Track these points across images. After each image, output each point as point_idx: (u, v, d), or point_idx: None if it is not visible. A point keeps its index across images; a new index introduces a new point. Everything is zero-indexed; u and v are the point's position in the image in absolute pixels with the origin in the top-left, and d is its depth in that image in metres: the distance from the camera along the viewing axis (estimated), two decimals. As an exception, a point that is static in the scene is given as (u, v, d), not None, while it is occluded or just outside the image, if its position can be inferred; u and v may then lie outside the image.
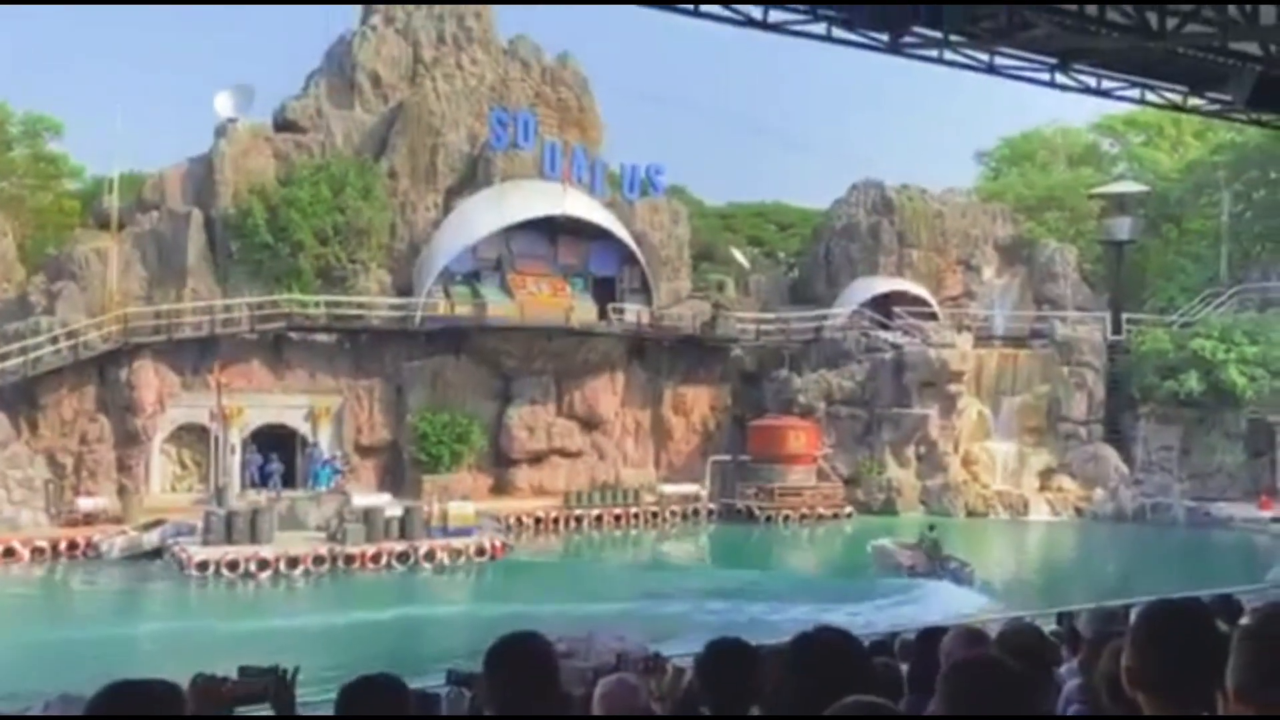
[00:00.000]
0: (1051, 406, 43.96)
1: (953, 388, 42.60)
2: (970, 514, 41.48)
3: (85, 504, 33.70)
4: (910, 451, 42.63)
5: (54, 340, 34.88)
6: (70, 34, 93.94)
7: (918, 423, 42.32)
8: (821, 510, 40.20)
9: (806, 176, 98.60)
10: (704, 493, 40.83)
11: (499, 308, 40.23)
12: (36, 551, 30.95)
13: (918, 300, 46.55)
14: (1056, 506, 42.12)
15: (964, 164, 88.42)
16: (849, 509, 40.80)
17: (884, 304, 45.99)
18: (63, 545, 31.37)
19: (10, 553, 30.54)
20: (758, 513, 39.72)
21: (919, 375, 42.40)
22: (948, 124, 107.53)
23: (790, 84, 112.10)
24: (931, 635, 4.86)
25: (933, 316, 45.98)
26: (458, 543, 31.08)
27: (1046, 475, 43.47)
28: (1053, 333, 44.87)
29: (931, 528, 31.34)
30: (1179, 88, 15.31)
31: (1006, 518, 41.57)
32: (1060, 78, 14.42)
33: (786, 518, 39.53)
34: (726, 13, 12.14)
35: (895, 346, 43.52)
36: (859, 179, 50.61)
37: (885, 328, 44.74)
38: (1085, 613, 5.78)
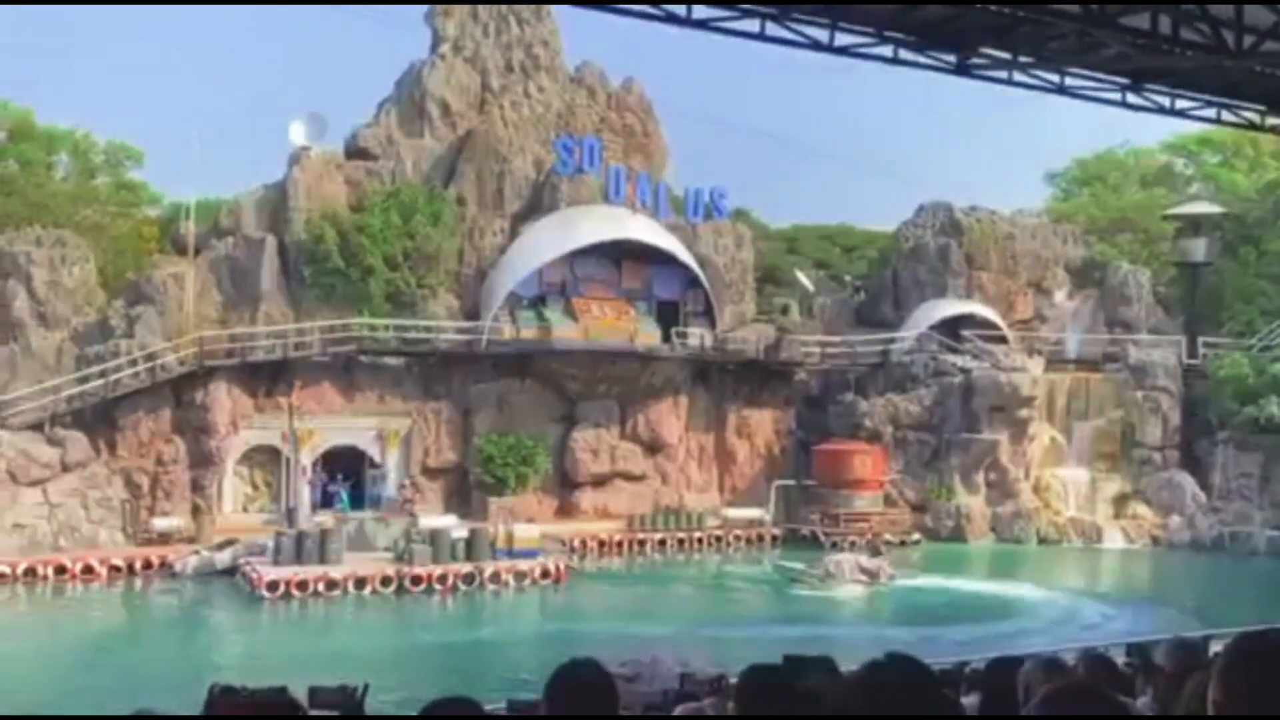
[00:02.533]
0: (1125, 432, 43.02)
1: (1023, 413, 41.87)
2: (1042, 541, 40.70)
3: (160, 523, 34.46)
4: (980, 477, 41.95)
5: (132, 363, 35.79)
6: (150, 63, 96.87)
7: (987, 448, 41.65)
8: (888, 536, 39.67)
9: (872, 198, 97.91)
10: (768, 517, 40.56)
11: (563, 331, 40.48)
12: (114, 570, 31.70)
13: (987, 323, 45.89)
14: (1131, 534, 41.15)
15: (1034, 185, 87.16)
16: (917, 535, 40.25)
17: (952, 327, 45.40)
18: (138, 564, 32.12)
19: (89, 570, 31.32)
20: (823, 538, 39.32)
21: (989, 400, 41.76)
22: (1016, 146, 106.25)
23: (855, 106, 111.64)
24: (1004, 666, 4.76)
25: (1003, 340, 45.29)
26: (522, 565, 31.21)
27: (1121, 502, 42.50)
28: (1126, 357, 43.96)
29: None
30: (1257, 107, 14.98)
31: (1080, 545, 40.70)
32: (1133, 98, 14.20)
33: (852, 543, 39.06)
34: (794, 37, 12.15)
35: (964, 370, 42.91)
36: (926, 200, 50.18)
37: (954, 351, 44.15)
38: (1163, 644, 5.63)
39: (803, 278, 51.17)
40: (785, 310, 47.61)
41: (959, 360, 43.52)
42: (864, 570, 31.47)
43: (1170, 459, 42.54)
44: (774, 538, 40.09)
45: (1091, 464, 43.17)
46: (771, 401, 44.11)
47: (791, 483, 41.63)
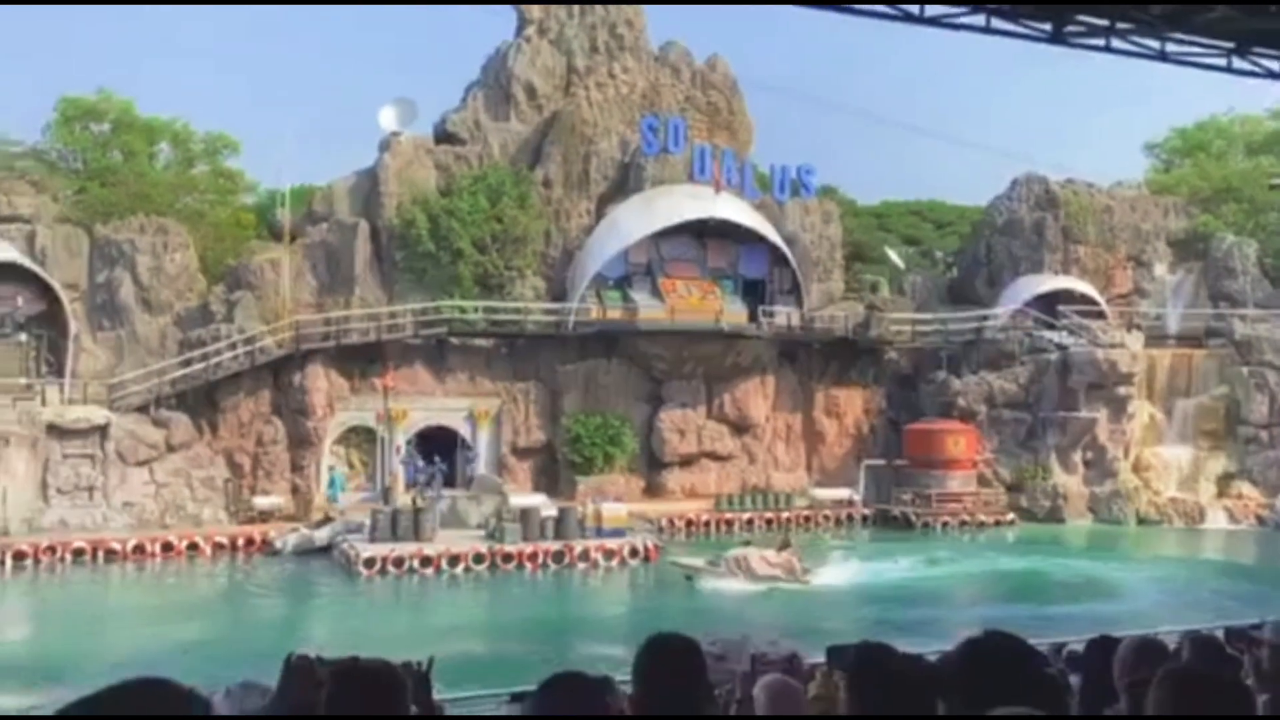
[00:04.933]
0: (1230, 409, 41.64)
1: (1122, 390, 40.77)
2: (1142, 522, 39.69)
3: (261, 502, 35.52)
4: (1077, 457, 41.01)
5: (232, 346, 36.86)
6: (244, 53, 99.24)
7: (1085, 427, 40.67)
8: (982, 517, 39.05)
9: (964, 172, 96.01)
10: (857, 498, 40.22)
11: (649, 312, 40.55)
12: (217, 547, 32.77)
13: (1084, 299, 44.73)
14: (1236, 514, 39.87)
15: (1132, 156, 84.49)
16: (1011, 516, 39.54)
17: (1048, 303, 44.34)
18: (241, 541, 33.15)
19: (194, 547, 32.43)
20: (914, 519, 38.85)
21: (1086, 377, 40.75)
22: (1112, 116, 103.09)
23: (945, 78, 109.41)
24: (1103, 646, 4.67)
25: (1101, 315, 44.11)
26: (611, 543, 31.45)
27: (1224, 481, 41.20)
28: (1231, 331, 42.48)
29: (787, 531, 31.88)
30: (1373, 68, 14.28)
31: (1181, 526, 39.58)
32: (1238, 62, 13.64)
33: (945, 524, 38.54)
34: (885, 9, 11.94)
35: (1061, 347, 41.92)
36: (1020, 174, 49.03)
37: (1050, 328, 43.14)
38: (1270, 624, 5.45)
39: (893, 254, 50.45)
40: (875, 288, 47.00)
41: (1055, 337, 42.52)
42: (770, 565, 28.16)
43: (1277, 437, 41.07)
44: (864, 518, 39.76)
45: (1194, 442, 41.91)
46: (861, 380, 43.64)
47: (881, 463, 41.19)
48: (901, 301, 46.44)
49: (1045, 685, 2.68)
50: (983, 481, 40.38)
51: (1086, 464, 41.01)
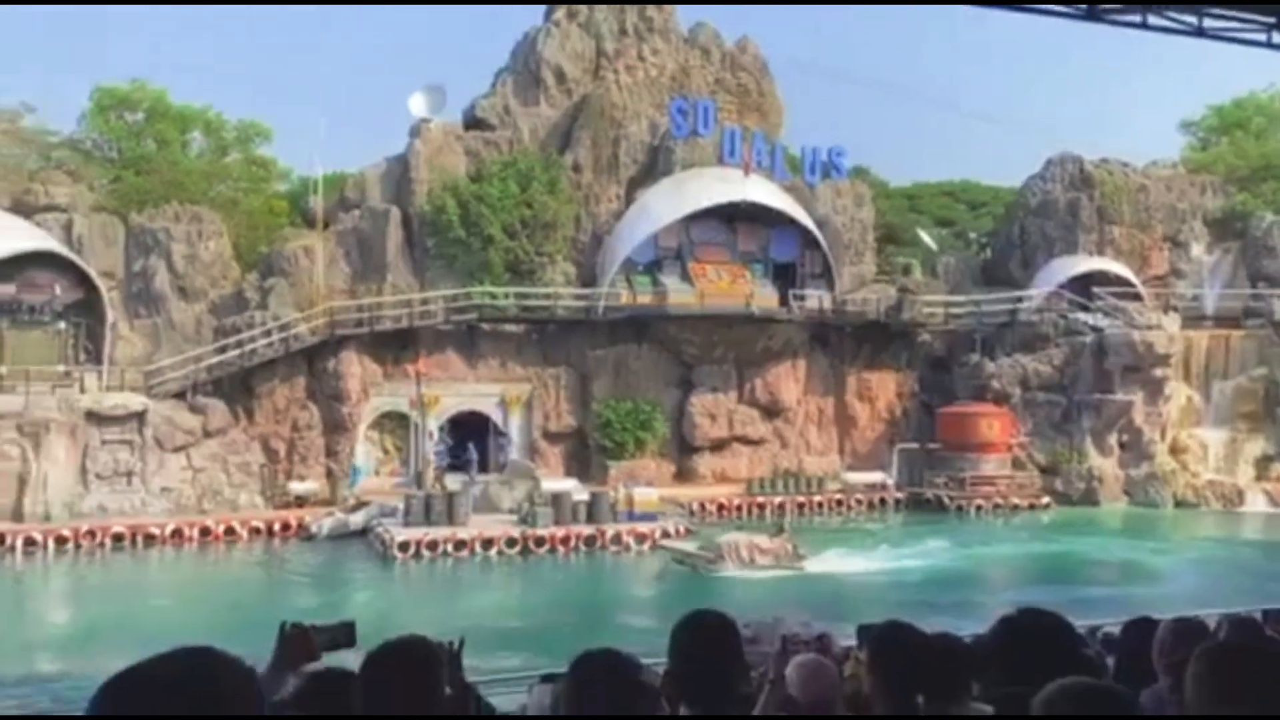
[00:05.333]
0: (1269, 390, 41.08)
1: (1159, 372, 40.32)
2: (1179, 505, 39.30)
3: (297, 487, 35.86)
4: (1113, 439, 40.62)
5: (267, 333, 37.17)
6: (274, 42, 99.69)
7: (1121, 409, 40.27)
8: (1016, 500, 38.80)
9: (997, 153, 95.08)
10: (890, 481, 40.06)
11: (679, 296, 40.49)
12: (254, 531, 33.13)
13: (1120, 280, 44.23)
14: (1275, 497, 39.41)
15: (1168, 135, 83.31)
16: (1046, 499, 39.26)
17: (1083, 284, 43.89)
18: (277, 526, 33.49)
19: (231, 532, 32.81)
20: (948, 502, 38.66)
21: (1122, 359, 40.32)
22: (1148, 94, 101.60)
23: (978, 57, 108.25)
24: (1141, 628, 4.63)
25: (1137, 297, 43.61)
26: (643, 527, 31.51)
27: (1264, 464, 40.70)
28: (1270, 311, 41.89)
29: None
30: None
31: (1219, 509, 39.14)
32: (1278, 37, 13.40)
33: (979, 508, 38.32)
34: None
35: (1096, 329, 41.49)
36: (1054, 154, 48.51)
37: (1085, 309, 42.70)
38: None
39: (925, 236, 50.07)
40: (907, 270, 46.69)
41: (1090, 318, 42.10)
42: (762, 552, 27.73)
43: (1319, 419, 40.50)
44: (897, 501, 39.60)
45: (1232, 424, 41.41)
46: (893, 364, 43.41)
47: (915, 446, 40.98)
48: (934, 284, 46.11)
49: (1083, 665, 2.66)
50: (1017, 465, 40.10)
51: (1122, 446, 40.62)
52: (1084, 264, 44.74)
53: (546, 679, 5.40)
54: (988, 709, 3.19)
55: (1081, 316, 42.34)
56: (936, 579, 27.08)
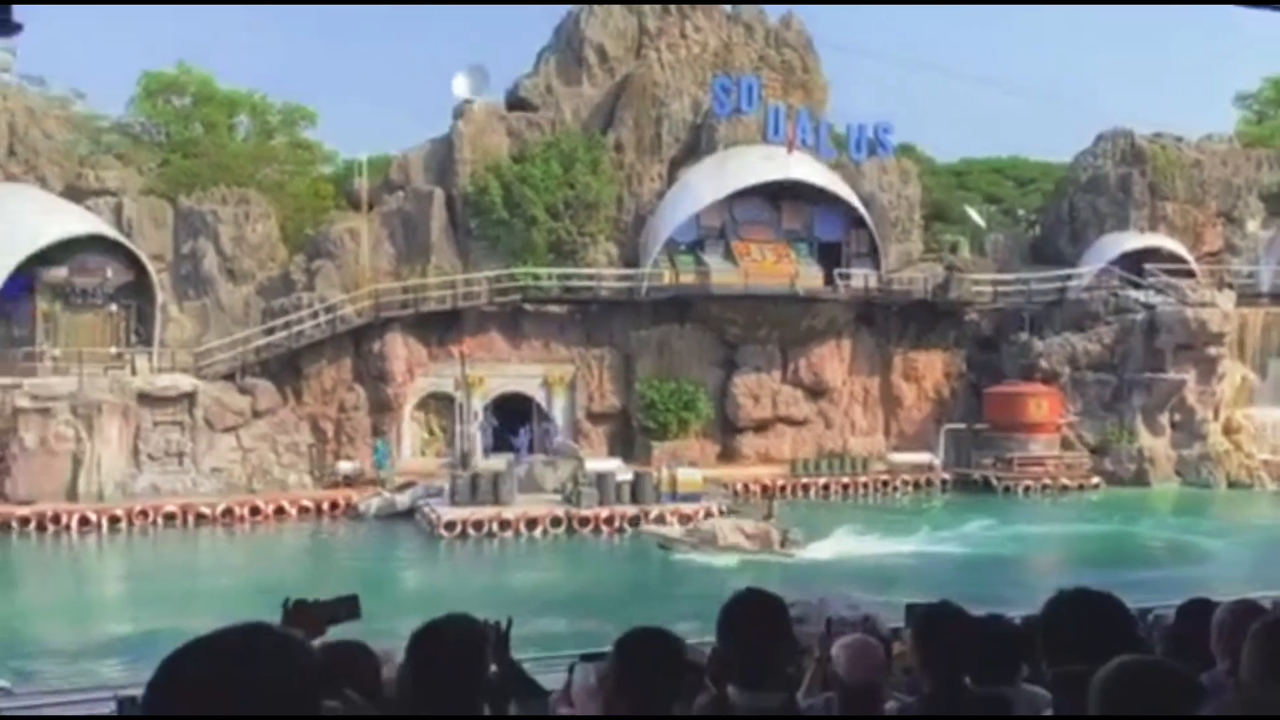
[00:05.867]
0: (1328, 369, 40.21)
1: (1212, 350, 39.59)
2: (1232, 485, 38.66)
3: (344, 467, 36.25)
4: (1164, 419, 39.99)
5: (314, 315, 37.54)
6: (318, 25, 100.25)
7: (1173, 388, 39.61)
8: (1065, 481, 38.35)
9: (1046, 128, 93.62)
10: (937, 462, 39.74)
11: (722, 276, 40.33)
12: (303, 510, 33.58)
13: (1173, 257, 43.45)
14: (1334, 478, 38.62)
15: (1222, 109, 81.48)
16: (1096, 480, 38.75)
17: (1135, 261, 43.17)
18: (325, 505, 33.92)
19: (280, 511, 33.27)
20: (995, 483, 38.29)
21: (1174, 337, 39.63)
22: (1200, 67, 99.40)
23: (1025, 31, 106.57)
24: (1197, 611, 4.53)
25: (1189, 274, 42.82)
26: (686, 508, 31.51)
27: (1322, 444, 39.87)
28: (1330, 288, 40.95)
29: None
30: None
31: (1274, 489, 38.45)
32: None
33: (1027, 488, 37.92)
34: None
35: (1148, 307, 40.81)
36: (1105, 128, 47.65)
37: (1136, 287, 42.01)
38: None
39: (973, 213, 49.47)
40: (955, 248, 46.17)
41: (1142, 296, 41.42)
42: (747, 536, 26.98)
43: (1379, 398, 39.61)
44: (943, 483, 39.28)
45: (1289, 403, 40.60)
46: (940, 343, 43.00)
47: (962, 426, 40.60)
48: (982, 262, 45.56)
49: (1138, 646, 2.59)
50: (1066, 445, 39.61)
51: (1174, 426, 39.99)
52: (1135, 241, 44.00)
53: (587, 658, 5.39)
54: (1039, 690, 3.13)
55: (1133, 294, 41.67)
56: (957, 564, 25.87)
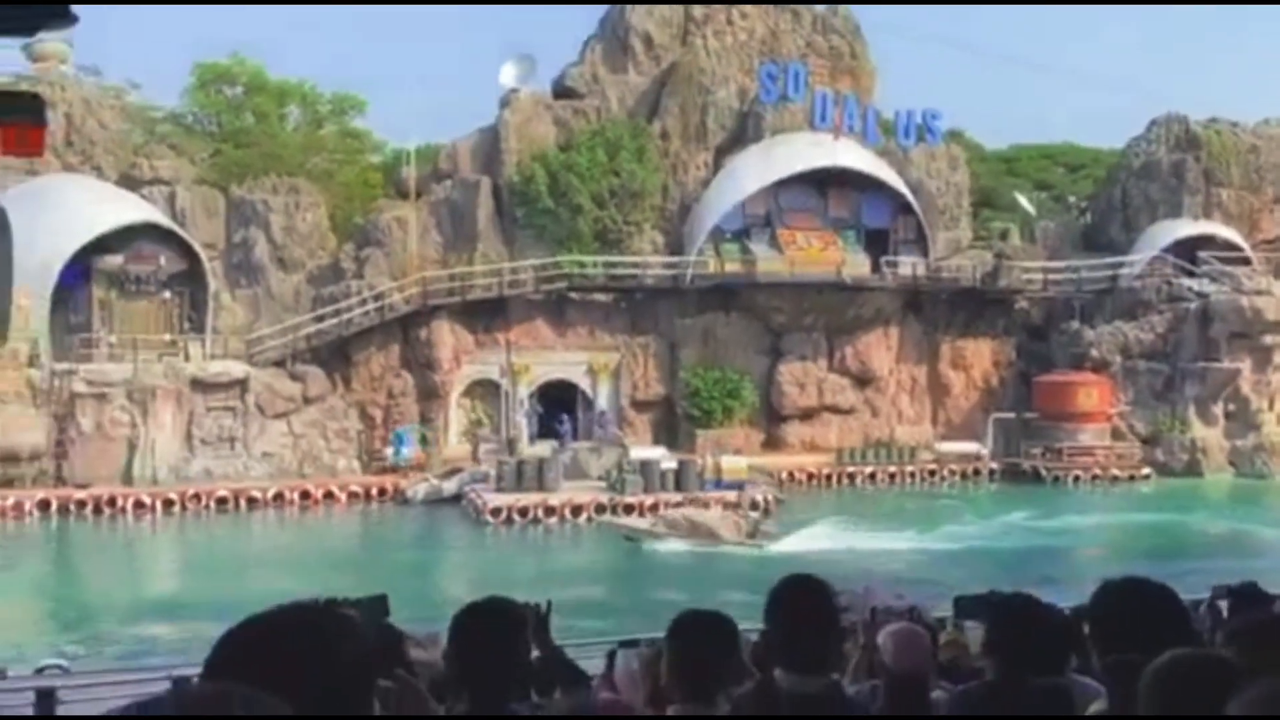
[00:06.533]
0: (1389, 359, 39.25)
1: (1269, 339, 38.83)
2: (1288, 476, 37.93)
3: (391, 452, 36.60)
4: (1217, 409, 39.31)
5: (363, 302, 37.94)
6: (369, 17, 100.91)
7: (1227, 377, 38.90)
8: (1116, 471, 37.84)
9: (1097, 114, 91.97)
10: (985, 452, 39.35)
11: (768, 264, 40.16)
12: (352, 496, 34.01)
13: (1228, 244, 42.61)
14: (1394, 470, 37.75)
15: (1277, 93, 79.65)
16: (1147, 470, 38.20)
17: (1188, 249, 42.40)
18: (374, 490, 34.32)
19: (330, 496, 33.73)
20: (1044, 473, 37.87)
21: (1229, 326, 38.92)
22: (1257, 51, 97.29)
23: (1076, 14, 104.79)
24: (1251, 600, 4.48)
25: (1245, 261, 41.99)
26: (730, 496, 31.51)
27: (1382, 436, 38.96)
28: (1392, 276, 39.97)
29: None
30: None
31: (1332, 481, 37.66)
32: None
33: (1076, 479, 37.48)
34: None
35: (1201, 295, 40.09)
36: (1158, 114, 46.82)
37: (1190, 275, 41.28)
38: None
39: (1023, 200, 48.86)
40: (1004, 235, 45.64)
41: (1195, 284, 40.71)
42: (714, 525, 26.53)
43: None
44: (991, 472, 38.91)
45: (1348, 394, 39.70)
46: (989, 331, 42.55)
47: (1011, 416, 40.17)
48: (1032, 249, 45.00)
49: (1192, 638, 2.57)
50: (1116, 435, 39.07)
51: (1228, 416, 39.30)
52: (1189, 228, 43.23)
53: (626, 644, 5.43)
54: (1089, 681, 3.11)
55: (1186, 282, 40.97)
56: (946, 562, 24.35)
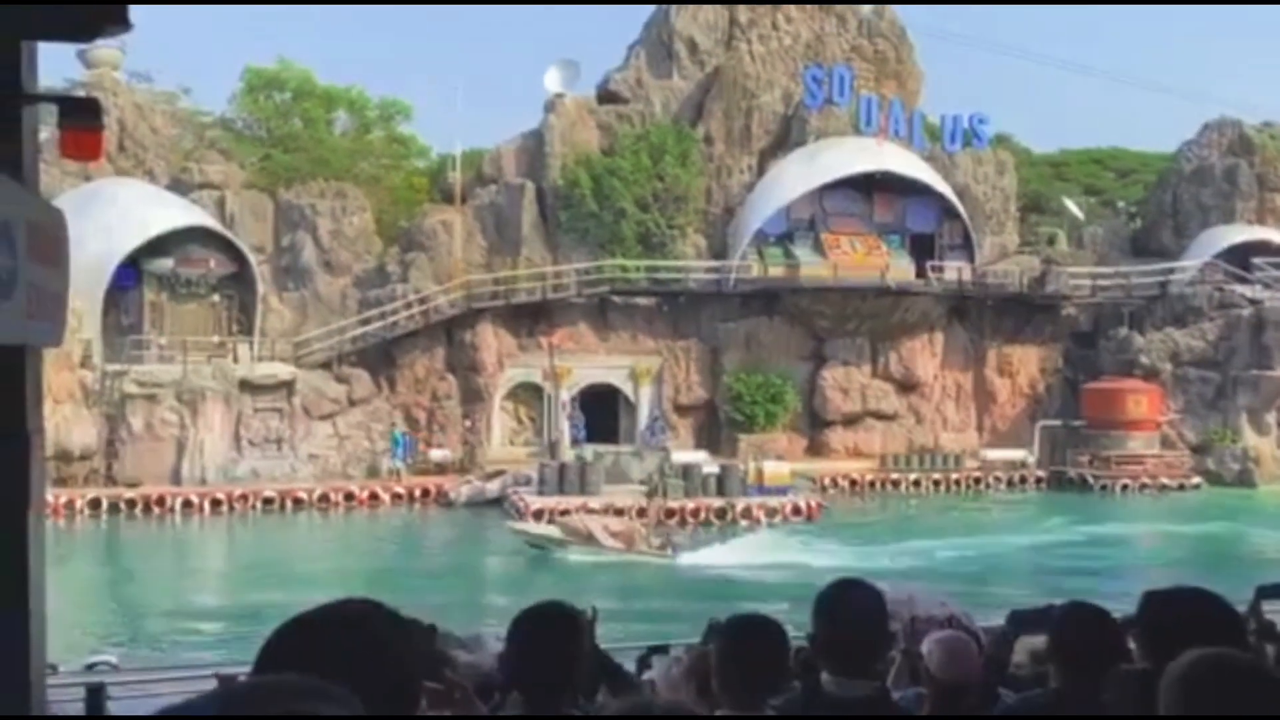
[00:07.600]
0: None
1: (1324, 347, 38.06)
2: (1344, 488, 37.10)
3: (436, 455, 36.89)
4: (1270, 418, 38.61)
5: (408, 306, 38.26)
6: (415, 22, 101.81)
7: (1280, 386, 38.19)
8: (1165, 480, 37.24)
9: (1148, 118, 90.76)
10: (1031, 459, 38.91)
11: (811, 268, 39.98)
12: (396, 497, 34.29)
13: (1282, 250, 41.85)
14: None
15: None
16: (1197, 479, 37.55)
17: (1241, 255, 41.68)
18: (417, 492, 34.56)
19: (374, 497, 34.03)
20: (1091, 481, 37.37)
21: (1283, 333, 38.21)
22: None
23: (1126, 17, 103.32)
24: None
25: (1300, 268, 41.20)
26: (773, 501, 31.39)
27: None
28: None
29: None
30: None
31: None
32: None
33: (1124, 487, 36.94)
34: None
35: (1254, 302, 39.40)
36: (1211, 118, 46.11)
37: (1243, 281, 40.57)
38: None
39: (1071, 205, 48.29)
40: (1052, 240, 45.11)
41: (1248, 291, 40.03)
42: (612, 534, 25.56)
43: None
44: (1038, 480, 38.46)
45: None
46: (1036, 338, 42.07)
47: (1058, 423, 39.68)
48: (1080, 255, 44.43)
49: (1243, 645, 2.53)
50: (1166, 443, 38.47)
51: (1282, 426, 38.58)
52: (1242, 233, 42.51)
53: (654, 650, 5.42)
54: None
55: (1239, 288, 40.28)
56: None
